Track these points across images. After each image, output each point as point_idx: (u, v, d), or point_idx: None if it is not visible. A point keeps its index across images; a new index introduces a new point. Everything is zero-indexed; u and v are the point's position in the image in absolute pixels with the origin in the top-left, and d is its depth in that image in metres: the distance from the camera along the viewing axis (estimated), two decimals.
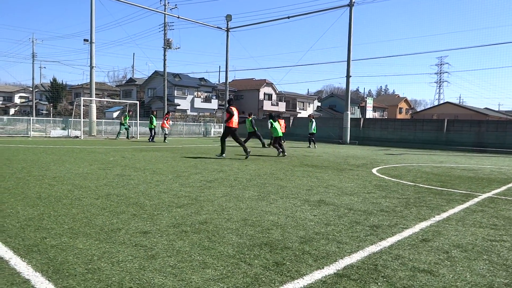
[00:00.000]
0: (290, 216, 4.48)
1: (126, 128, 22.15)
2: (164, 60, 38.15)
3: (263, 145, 17.79)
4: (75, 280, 2.50)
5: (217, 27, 33.40)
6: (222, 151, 11.90)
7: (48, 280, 2.50)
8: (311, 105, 67.89)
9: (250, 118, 17.99)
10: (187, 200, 5.19)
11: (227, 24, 33.00)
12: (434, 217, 4.69)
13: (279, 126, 14.16)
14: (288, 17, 28.22)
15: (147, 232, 3.62)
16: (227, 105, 12.15)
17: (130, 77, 64.56)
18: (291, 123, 31.31)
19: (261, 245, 3.37)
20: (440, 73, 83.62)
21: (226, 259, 2.98)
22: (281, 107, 59.74)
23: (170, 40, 39.05)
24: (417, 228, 4.14)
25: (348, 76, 24.84)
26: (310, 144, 19.91)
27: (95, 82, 24.80)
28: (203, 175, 7.73)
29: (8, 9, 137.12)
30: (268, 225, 4.05)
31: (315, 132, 19.92)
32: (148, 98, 53.70)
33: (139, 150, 14.35)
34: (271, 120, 14.05)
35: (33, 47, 55.64)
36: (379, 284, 2.63)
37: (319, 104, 70.46)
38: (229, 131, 11.75)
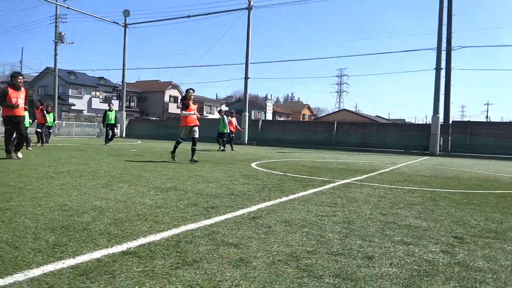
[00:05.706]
0: (123, 201, 4.01)
1: None
2: (55, 54, 34.88)
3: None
4: None
5: (114, 22, 31.51)
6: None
7: None
8: (219, 109, 67.94)
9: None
10: (7, 188, 4.41)
11: (125, 20, 31.30)
12: (280, 198, 4.61)
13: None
14: (188, 16, 27.75)
15: None
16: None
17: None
18: None
19: (55, 228, 2.85)
20: (340, 84, 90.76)
21: None
22: None
23: (63, 33, 35.89)
24: (254, 208, 3.98)
25: (246, 78, 25.15)
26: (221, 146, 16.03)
27: None
28: (57, 168, 6.86)
29: None
30: (86, 209, 3.53)
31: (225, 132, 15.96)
32: (39, 96, 48.65)
33: None
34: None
35: None
36: (166, 259, 2.31)
37: (227, 108, 70.83)
38: None
